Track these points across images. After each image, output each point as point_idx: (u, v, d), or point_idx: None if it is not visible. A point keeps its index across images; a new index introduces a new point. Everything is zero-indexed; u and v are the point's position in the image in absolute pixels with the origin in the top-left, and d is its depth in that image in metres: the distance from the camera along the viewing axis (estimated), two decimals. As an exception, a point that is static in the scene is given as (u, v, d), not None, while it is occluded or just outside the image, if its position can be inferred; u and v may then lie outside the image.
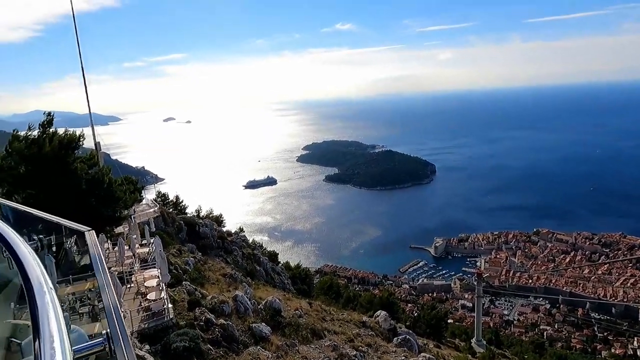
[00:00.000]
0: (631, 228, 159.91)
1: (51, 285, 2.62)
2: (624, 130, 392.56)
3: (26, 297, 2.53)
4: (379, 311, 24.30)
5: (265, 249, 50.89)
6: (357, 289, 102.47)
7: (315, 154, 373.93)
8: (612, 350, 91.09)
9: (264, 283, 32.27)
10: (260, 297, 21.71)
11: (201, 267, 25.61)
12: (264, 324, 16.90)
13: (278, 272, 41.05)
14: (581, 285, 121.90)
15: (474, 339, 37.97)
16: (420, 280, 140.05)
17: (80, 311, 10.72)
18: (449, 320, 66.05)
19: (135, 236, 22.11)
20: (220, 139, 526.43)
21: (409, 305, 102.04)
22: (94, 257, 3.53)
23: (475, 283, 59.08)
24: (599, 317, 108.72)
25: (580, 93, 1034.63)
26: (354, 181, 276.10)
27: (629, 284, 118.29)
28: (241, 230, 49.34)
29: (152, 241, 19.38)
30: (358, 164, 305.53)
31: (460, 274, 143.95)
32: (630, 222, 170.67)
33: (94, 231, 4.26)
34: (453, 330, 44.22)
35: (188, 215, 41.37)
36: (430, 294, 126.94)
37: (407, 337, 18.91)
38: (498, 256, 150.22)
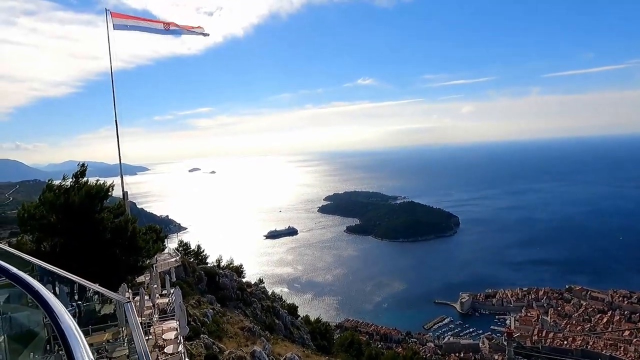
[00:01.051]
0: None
1: (88, 350, 2.89)
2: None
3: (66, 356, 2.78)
4: (403, 372, 22.98)
5: (284, 301, 49.79)
6: (380, 346, 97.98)
7: (336, 205, 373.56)
8: None
9: (282, 338, 31.30)
10: (278, 353, 20.99)
11: (220, 320, 25.14)
12: (282, 382, 16.19)
13: (297, 326, 39.82)
14: (622, 348, 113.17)
15: (506, 406, 35.20)
16: (446, 339, 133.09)
17: (97, 364, 10.54)
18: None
19: (155, 286, 22.08)
20: (242, 189, 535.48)
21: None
22: (133, 328, 3.74)
23: (506, 343, 55.67)
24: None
25: (603, 145, 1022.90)
26: (376, 232, 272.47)
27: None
28: (261, 281, 48.70)
29: (172, 291, 19.28)
30: (379, 215, 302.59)
31: (489, 332, 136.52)
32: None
33: (132, 302, 4.44)
34: (483, 395, 41.25)
35: (208, 265, 41.32)
36: (457, 354, 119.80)
37: (434, 401, 17.66)
38: (529, 314, 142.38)
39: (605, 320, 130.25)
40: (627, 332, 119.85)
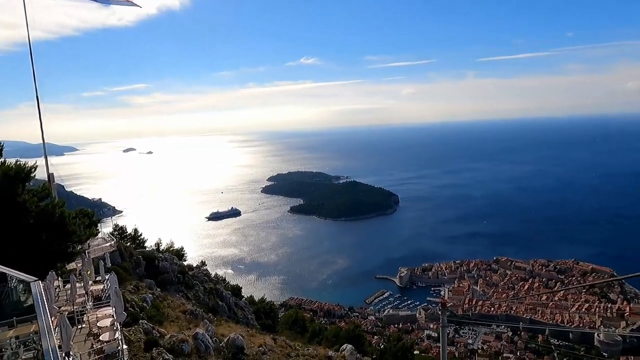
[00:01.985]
0: (583, 254, 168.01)
1: None
2: (583, 162, 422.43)
3: None
4: (345, 345, 23.88)
5: (228, 283, 49.35)
6: (323, 322, 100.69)
7: (280, 185, 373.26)
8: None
9: (226, 319, 31.11)
10: (222, 334, 20.85)
11: (160, 304, 24.43)
12: (225, 362, 16.19)
13: (241, 307, 39.78)
14: (540, 311, 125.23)
15: (440, 370, 37.82)
16: (386, 311, 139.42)
17: (23, 357, 9.89)
18: (415, 352, 65.68)
19: (89, 272, 20.96)
20: (182, 169, 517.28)
21: (375, 337, 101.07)
22: (38, 308, 3.43)
23: (440, 313, 59.47)
24: (558, 343, 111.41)
25: (531, 127, 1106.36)
26: (319, 212, 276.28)
27: (583, 310, 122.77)
28: (203, 264, 47.79)
29: (107, 277, 18.43)
30: (323, 195, 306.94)
31: (425, 303, 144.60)
32: (582, 249, 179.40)
33: (39, 281, 4.14)
34: (419, 361, 43.95)
35: (147, 249, 39.77)
36: (396, 325, 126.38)
37: (374, 370, 18.56)
38: (461, 285, 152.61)
39: (526, 287, 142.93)
40: (544, 297, 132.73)
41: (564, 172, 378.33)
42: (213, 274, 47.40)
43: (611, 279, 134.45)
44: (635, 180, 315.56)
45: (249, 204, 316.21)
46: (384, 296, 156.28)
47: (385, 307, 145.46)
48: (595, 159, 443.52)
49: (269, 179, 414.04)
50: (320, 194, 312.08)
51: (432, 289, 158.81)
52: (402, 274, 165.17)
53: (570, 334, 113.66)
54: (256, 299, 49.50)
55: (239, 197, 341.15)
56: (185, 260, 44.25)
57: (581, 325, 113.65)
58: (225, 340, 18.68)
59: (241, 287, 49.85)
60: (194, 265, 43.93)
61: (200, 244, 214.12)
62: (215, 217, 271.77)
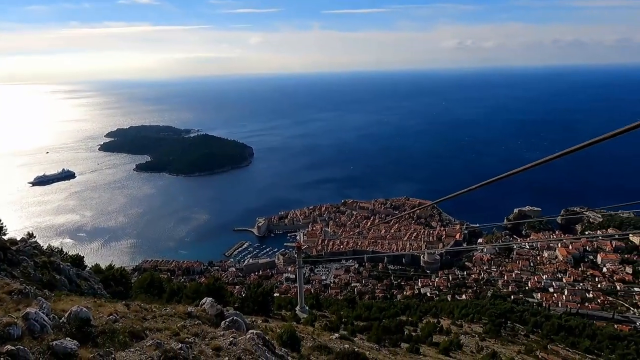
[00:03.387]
0: (413, 191, 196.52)
1: None
2: (413, 112, 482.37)
3: None
4: (205, 298, 23.75)
5: (66, 253, 43.79)
6: (182, 280, 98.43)
7: (122, 142, 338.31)
8: (404, 293, 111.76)
9: (67, 293, 27.80)
10: (62, 309, 18.56)
11: (-26, 288, 20.45)
12: (68, 338, 14.56)
13: (85, 278, 35.82)
14: (380, 243, 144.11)
15: (298, 306, 41.01)
16: (245, 261, 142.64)
17: None
18: (275, 294, 69.66)
19: None
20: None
21: (237, 287, 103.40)
22: None
23: (296, 255, 63.62)
24: (394, 268, 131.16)
25: (372, 80, 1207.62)
26: (170, 169, 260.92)
27: (412, 237, 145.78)
28: (31, 235, 41.16)
29: None
30: (173, 150, 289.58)
31: (283, 249, 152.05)
32: (412, 186, 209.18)
33: None
34: (279, 302, 46.72)
35: (-53, 226, 32.30)
36: (256, 273, 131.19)
37: (235, 318, 18.97)
38: (314, 228, 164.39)
39: (368, 224, 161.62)
40: (382, 231, 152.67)
41: (399, 120, 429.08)
42: (46, 245, 41.43)
43: (427, 204, 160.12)
44: (449, 126, 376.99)
45: (85, 164, 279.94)
46: (244, 247, 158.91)
47: (245, 258, 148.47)
48: (421, 108, 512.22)
49: (108, 135, 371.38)
50: (170, 149, 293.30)
51: (289, 234, 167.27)
52: (259, 224, 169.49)
53: (403, 259, 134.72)
54: (103, 267, 45.29)
55: (72, 157, 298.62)
56: (5, 235, 37.48)
57: (411, 250, 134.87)
58: (67, 315, 16.76)
59: (83, 257, 44.85)
60: (19, 239, 37.61)
61: (25, 214, 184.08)
62: (42, 181, 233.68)
